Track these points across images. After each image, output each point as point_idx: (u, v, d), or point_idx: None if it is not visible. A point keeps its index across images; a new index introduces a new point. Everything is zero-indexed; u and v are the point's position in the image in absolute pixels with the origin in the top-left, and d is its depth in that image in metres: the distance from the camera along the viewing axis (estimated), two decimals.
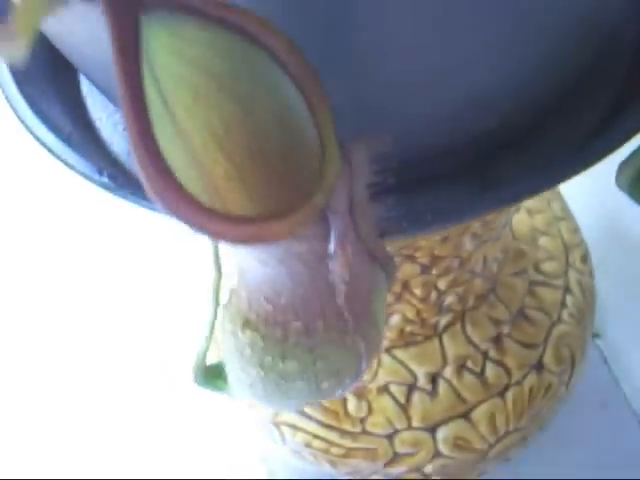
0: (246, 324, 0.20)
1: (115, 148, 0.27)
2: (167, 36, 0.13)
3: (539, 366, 0.42)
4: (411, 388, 0.41)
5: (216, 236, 0.13)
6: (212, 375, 0.26)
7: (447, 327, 0.40)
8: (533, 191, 0.21)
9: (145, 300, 0.61)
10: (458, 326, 0.40)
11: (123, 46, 0.11)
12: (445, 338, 0.40)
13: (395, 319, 0.38)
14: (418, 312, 0.38)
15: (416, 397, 0.41)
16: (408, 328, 0.39)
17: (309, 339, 0.20)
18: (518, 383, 0.41)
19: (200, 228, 0.13)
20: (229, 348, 0.21)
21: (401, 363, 0.40)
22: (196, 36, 0.14)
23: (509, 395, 0.41)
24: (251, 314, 0.20)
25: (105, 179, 0.23)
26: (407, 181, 0.20)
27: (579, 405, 0.51)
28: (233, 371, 0.22)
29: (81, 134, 0.25)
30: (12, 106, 0.24)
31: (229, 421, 0.53)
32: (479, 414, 0.41)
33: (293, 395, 0.22)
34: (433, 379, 0.41)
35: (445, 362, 0.40)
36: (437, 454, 0.41)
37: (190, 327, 0.52)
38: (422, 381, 0.41)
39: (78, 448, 0.55)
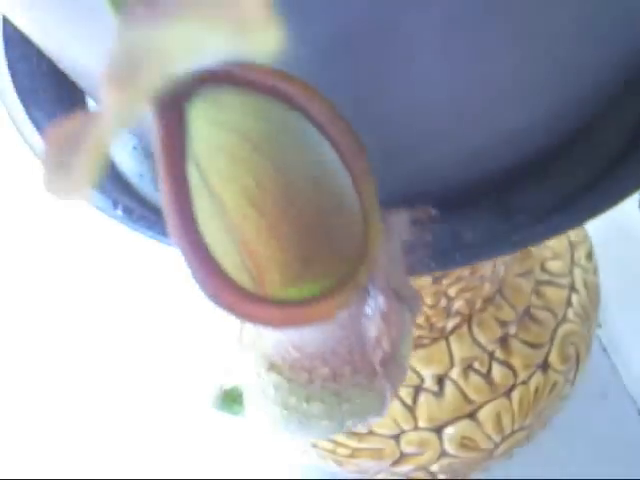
0: (271, 367, 0.20)
1: (124, 168, 0.26)
2: (205, 107, 0.13)
3: (545, 365, 0.42)
4: (417, 390, 0.41)
5: (259, 323, 0.12)
6: (229, 399, 0.25)
7: (454, 329, 0.40)
8: (565, 227, 0.20)
9: (160, 302, 0.60)
10: (465, 328, 0.40)
11: (168, 138, 0.11)
12: (452, 340, 0.40)
13: None
14: (427, 318, 0.37)
15: (422, 398, 0.41)
16: (417, 333, 0.38)
17: (335, 384, 0.19)
18: (524, 383, 0.41)
19: (244, 316, 0.12)
20: (251, 386, 0.21)
21: None
22: (233, 102, 0.13)
23: (515, 395, 0.41)
24: (276, 358, 0.19)
25: (120, 212, 0.22)
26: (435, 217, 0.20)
27: (579, 395, 0.52)
28: (254, 406, 0.22)
29: None
30: (21, 133, 0.23)
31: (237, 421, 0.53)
32: (485, 414, 0.41)
33: (315, 432, 0.22)
34: (440, 380, 0.41)
35: (452, 364, 0.40)
36: (443, 454, 0.41)
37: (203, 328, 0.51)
38: (428, 382, 0.41)
39: (89, 449, 0.55)
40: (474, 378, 0.41)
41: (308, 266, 0.17)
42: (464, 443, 0.41)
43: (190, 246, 0.11)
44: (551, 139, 0.21)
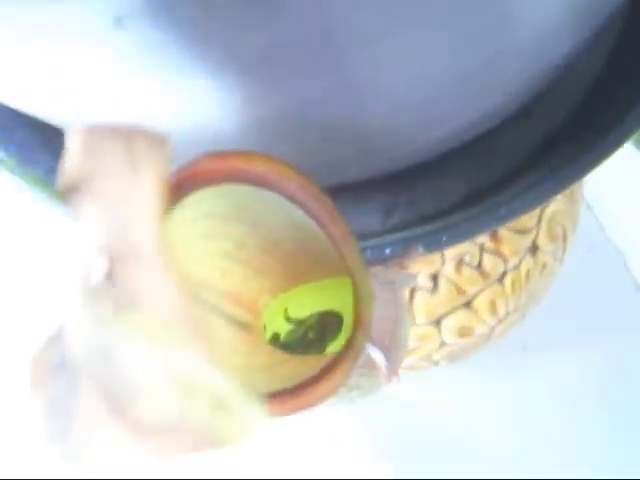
0: None
1: None
2: (180, 212, 0.12)
3: (534, 248, 0.43)
4: (412, 290, 0.42)
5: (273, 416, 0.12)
6: None
7: None
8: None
9: None
10: None
11: None
12: None
13: None
14: None
15: (418, 296, 0.42)
16: None
17: None
18: (515, 268, 0.42)
19: None
20: None
21: None
22: (196, 198, 0.13)
23: (507, 280, 0.43)
24: None
25: None
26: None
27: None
28: None
29: None
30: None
31: None
32: (480, 302, 0.42)
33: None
34: (433, 278, 0.42)
35: (443, 261, 0.41)
36: (443, 344, 0.43)
37: None
38: (423, 281, 0.41)
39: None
40: (466, 270, 0.42)
41: (296, 279, 0.17)
42: (462, 332, 0.43)
43: None
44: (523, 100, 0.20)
